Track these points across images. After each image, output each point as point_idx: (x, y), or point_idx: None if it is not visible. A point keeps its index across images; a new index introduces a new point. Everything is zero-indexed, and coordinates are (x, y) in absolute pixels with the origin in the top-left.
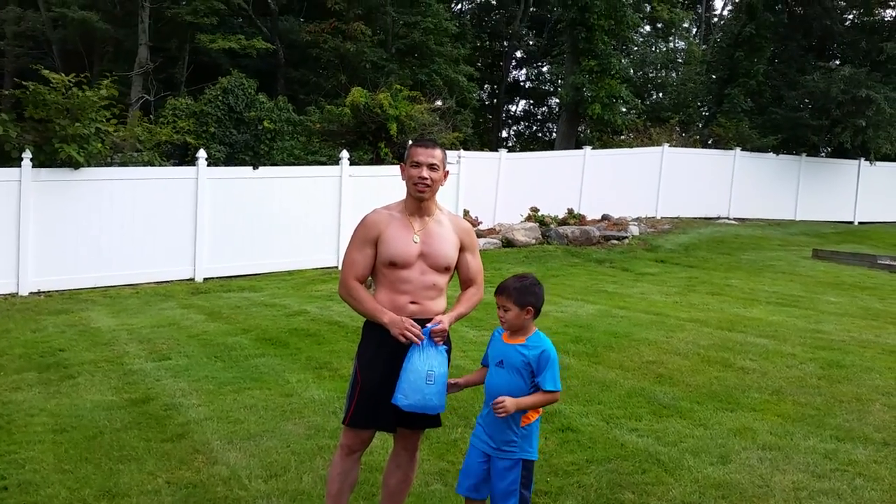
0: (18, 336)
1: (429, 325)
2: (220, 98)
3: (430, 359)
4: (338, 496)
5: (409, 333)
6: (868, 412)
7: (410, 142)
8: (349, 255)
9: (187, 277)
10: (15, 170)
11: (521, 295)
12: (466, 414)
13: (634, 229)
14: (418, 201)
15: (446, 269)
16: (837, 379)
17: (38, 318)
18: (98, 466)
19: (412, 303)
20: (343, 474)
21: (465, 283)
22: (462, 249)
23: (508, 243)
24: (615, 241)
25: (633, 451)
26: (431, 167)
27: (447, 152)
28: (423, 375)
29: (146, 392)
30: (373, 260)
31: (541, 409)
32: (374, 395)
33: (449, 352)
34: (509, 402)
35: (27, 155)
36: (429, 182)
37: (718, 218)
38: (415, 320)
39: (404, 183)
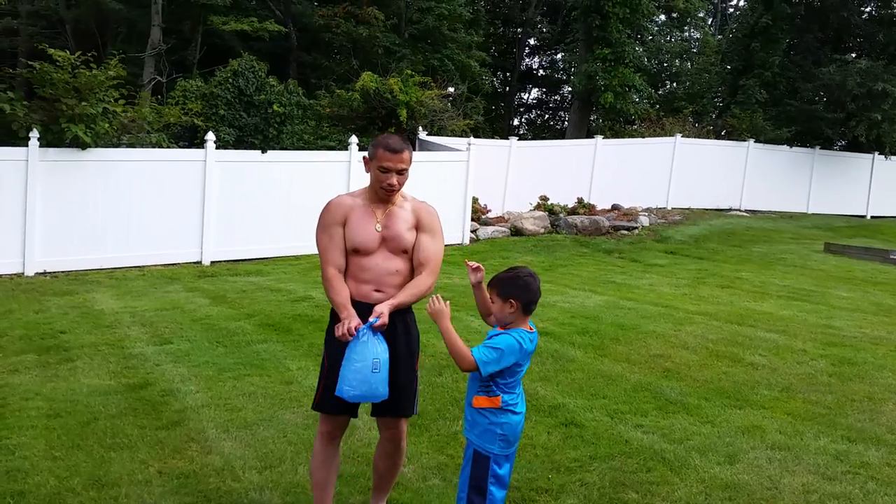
0: (21, 317)
1: (371, 318)
2: (230, 80)
3: (374, 347)
4: (325, 485)
5: (345, 335)
6: (880, 412)
7: (379, 142)
8: (320, 242)
9: (194, 260)
10: (22, 149)
11: (505, 287)
12: None
13: (644, 220)
14: (384, 201)
15: (404, 252)
16: (849, 377)
17: (42, 298)
18: (89, 454)
19: (376, 290)
20: (326, 462)
21: (417, 266)
22: (419, 229)
23: (517, 232)
24: (625, 232)
25: (637, 448)
26: (400, 172)
27: (456, 140)
28: (368, 364)
29: (145, 377)
30: (344, 242)
31: (498, 402)
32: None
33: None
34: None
35: (34, 134)
36: (396, 188)
37: (730, 210)
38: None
39: (368, 175)
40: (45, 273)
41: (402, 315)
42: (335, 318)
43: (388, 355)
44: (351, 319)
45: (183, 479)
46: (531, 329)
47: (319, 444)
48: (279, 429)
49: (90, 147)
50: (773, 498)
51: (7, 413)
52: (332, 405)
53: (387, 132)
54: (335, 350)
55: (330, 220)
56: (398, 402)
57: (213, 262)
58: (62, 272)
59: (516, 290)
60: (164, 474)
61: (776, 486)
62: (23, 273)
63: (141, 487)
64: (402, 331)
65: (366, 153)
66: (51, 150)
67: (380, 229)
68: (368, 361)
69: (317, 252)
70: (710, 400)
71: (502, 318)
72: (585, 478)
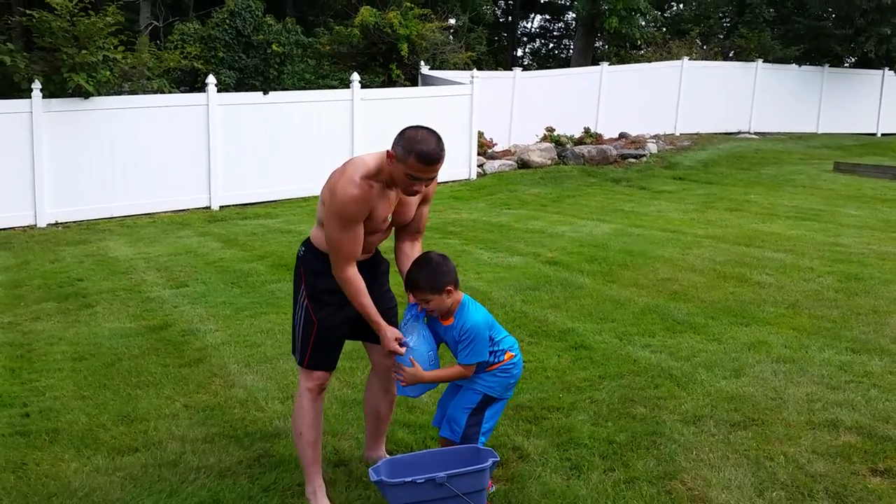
0: (37, 267)
1: (419, 311)
2: (227, 21)
3: (429, 339)
4: (317, 442)
5: (394, 350)
6: (885, 324)
7: (413, 146)
8: (341, 238)
9: (203, 206)
10: (26, 101)
11: (433, 281)
12: None
13: (652, 147)
14: None
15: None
16: (855, 291)
17: (57, 248)
18: (116, 392)
19: (365, 252)
20: (317, 419)
21: (414, 233)
22: (422, 202)
23: (524, 164)
24: (633, 160)
25: (645, 366)
26: (431, 180)
27: (459, 73)
28: (426, 358)
29: (164, 319)
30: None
31: (511, 354)
32: (331, 333)
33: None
34: (409, 374)
35: (37, 86)
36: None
37: (739, 133)
38: (363, 262)
39: (388, 168)
40: (56, 224)
41: (377, 256)
42: (319, 269)
43: (435, 344)
44: (390, 330)
45: (209, 411)
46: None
47: (308, 401)
48: None
49: (93, 96)
50: (778, 407)
51: (34, 357)
52: (328, 359)
53: (389, 68)
54: (327, 307)
55: (356, 217)
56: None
57: (221, 207)
58: (73, 222)
59: (445, 277)
60: (190, 408)
61: (780, 397)
62: (35, 225)
63: (169, 420)
64: (379, 260)
65: (391, 147)
66: (54, 100)
67: (391, 219)
68: (426, 355)
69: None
70: (717, 319)
71: (446, 309)
72: (595, 395)
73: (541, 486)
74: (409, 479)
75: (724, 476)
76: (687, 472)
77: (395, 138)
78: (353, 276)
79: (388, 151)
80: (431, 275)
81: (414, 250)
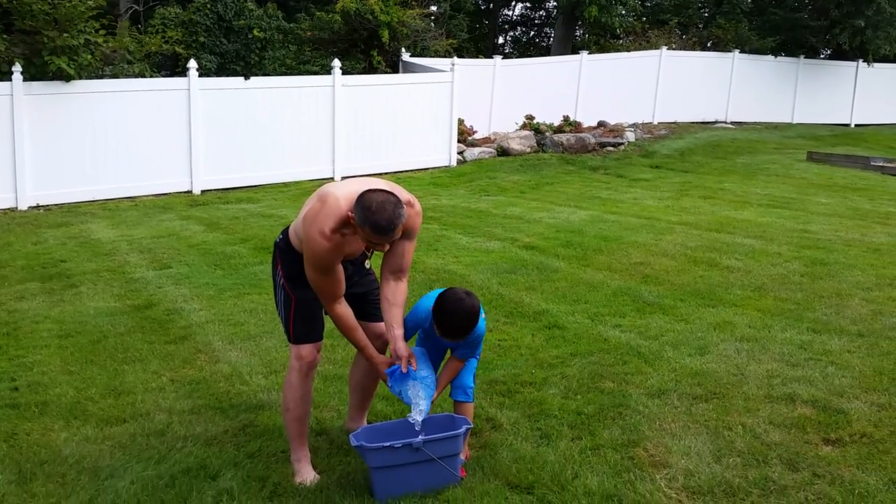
0: (20, 249)
1: (395, 366)
2: (208, 6)
3: (428, 380)
4: (303, 418)
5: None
6: (846, 306)
7: (368, 216)
8: (321, 282)
9: (185, 190)
10: (6, 84)
11: (474, 323)
12: None
13: (630, 135)
14: None
15: None
16: (820, 276)
17: (39, 231)
18: (103, 368)
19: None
20: (307, 395)
21: (397, 272)
22: (401, 237)
23: (503, 152)
24: (611, 148)
25: (615, 344)
26: (391, 241)
27: (440, 60)
28: (432, 394)
29: (148, 298)
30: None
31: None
32: (309, 306)
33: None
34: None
35: (17, 68)
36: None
37: (716, 122)
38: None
39: (353, 224)
40: (38, 207)
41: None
42: (293, 252)
43: (431, 391)
44: (382, 359)
45: (194, 385)
46: None
47: (298, 378)
48: (281, 339)
49: (74, 79)
50: (739, 382)
51: (20, 335)
52: (311, 331)
53: (370, 54)
54: (304, 286)
55: (331, 264)
56: (377, 305)
57: (203, 191)
58: (55, 205)
59: (478, 317)
60: (176, 382)
61: (742, 373)
62: (16, 207)
63: (156, 394)
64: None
65: (352, 209)
66: (35, 83)
67: (368, 266)
68: (432, 393)
69: (304, 179)
70: (686, 301)
71: None
72: (566, 371)
73: (512, 453)
74: (388, 443)
75: (685, 444)
76: (650, 440)
77: (356, 200)
78: (343, 313)
79: (349, 214)
80: (475, 317)
81: (396, 294)
